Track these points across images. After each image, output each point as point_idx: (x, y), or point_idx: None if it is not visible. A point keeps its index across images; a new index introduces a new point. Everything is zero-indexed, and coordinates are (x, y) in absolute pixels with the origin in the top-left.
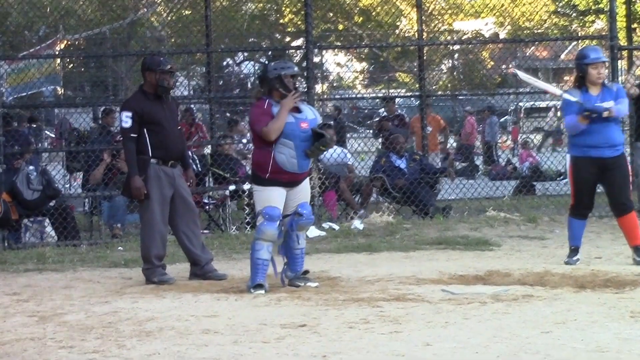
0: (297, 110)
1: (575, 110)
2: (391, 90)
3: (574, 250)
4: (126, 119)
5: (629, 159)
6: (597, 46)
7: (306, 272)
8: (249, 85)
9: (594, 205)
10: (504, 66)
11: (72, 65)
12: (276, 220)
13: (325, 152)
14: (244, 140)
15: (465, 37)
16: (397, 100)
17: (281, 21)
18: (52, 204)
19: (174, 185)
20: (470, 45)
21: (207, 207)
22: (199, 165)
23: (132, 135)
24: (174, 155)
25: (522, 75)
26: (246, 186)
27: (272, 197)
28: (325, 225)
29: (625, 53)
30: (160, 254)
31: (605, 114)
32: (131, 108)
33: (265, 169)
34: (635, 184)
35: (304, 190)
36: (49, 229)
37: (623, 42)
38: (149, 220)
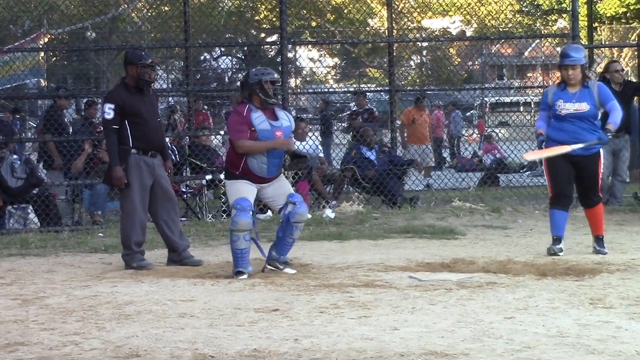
0: (274, 117)
1: (547, 109)
2: (362, 85)
3: (557, 240)
4: (108, 111)
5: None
6: (578, 45)
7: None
8: (226, 79)
9: (572, 195)
10: (470, 62)
11: (55, 58)
12: (248, 210)
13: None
14: (222, 132)
15: (433, 34)
16: (367, 94)
17: (257, 18)
18: (35, 191)
19: (154, 175)
20: (438, 43)
21: (185, 195)
22: (177, 156)
23: (113, 126)
24: (154, 146)
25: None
26: (222, 176)
27: (243, 189)
28: None
29: (586, 51)
30: (139, 241)
31: (604, 143)
32: (113, 100)
33: (237, 167)
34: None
35: (283, 182)
36: (32, 215)
37: (584, 40)
38: (129, 208)
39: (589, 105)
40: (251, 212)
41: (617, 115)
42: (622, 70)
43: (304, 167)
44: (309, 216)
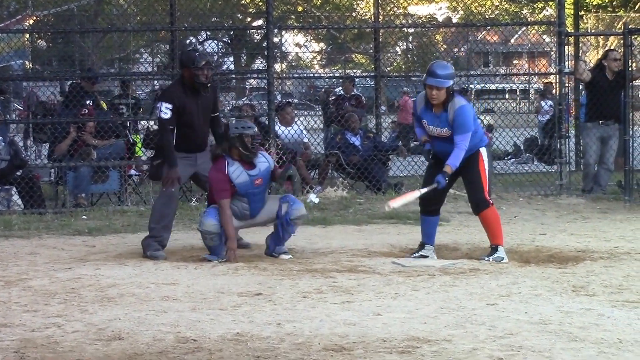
0: (251, 166)
1: (418, 120)
2: (347, 71)
3: (421, 245)
4: (165, 110)
5: (573, 141)
6: (447, 64)
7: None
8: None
9: (440, 204)
10: (456, 49)
11: (40, 40)
12: (215, 214)
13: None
14: None
15: (419, 20)
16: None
17: (243, 2)
18: (19, 173)
19: (195, 166)
20: (424, 29)
21: None
22: None
23: (170, 127)
24: (195, 147)
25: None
26: None
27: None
28: None
29: (572, 39)
30: (168, 227)
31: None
32: (171, 100)
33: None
34: (582, 164)
35: (270, 201)
36: (15, 197)
37: (570, 28)
38: (168, 201)
39: (449, 131)
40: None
41: (457, 155)
42: (620, 59)
43: (294, 178)
44: (306, 213)
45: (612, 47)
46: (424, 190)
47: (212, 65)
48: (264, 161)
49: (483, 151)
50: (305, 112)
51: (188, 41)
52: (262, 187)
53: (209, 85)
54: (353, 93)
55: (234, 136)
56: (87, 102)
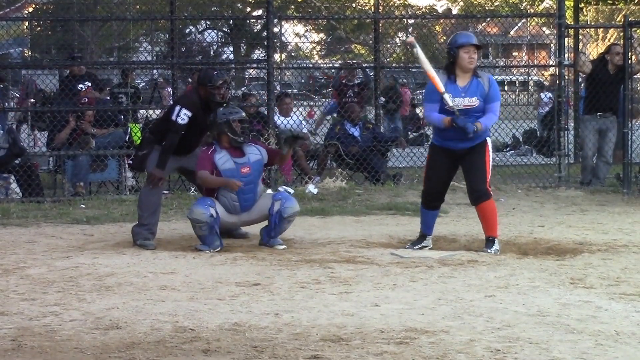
0: (240, 154)
1: (438, 100)
2: (347, 61)
3: (422, 237)
4: (184, 117)
5: (572, 133)
6: (470, 32)
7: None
8: (211, 52)
9: (444, 198)
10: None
11: (39, 28)
12: (206, 204)
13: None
14: None
15: (419, 11)
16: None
17: None
18: (17, 161)
19: (179, 160)
20: (424, 20)
21: None
22: None
23: (181, 132)
24: (181, 152)
25: (419, 52)
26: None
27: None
28: (281, 188)
29: (572, 31)
30: (156, 213)
31: (470, 135)
32: (192, 110)
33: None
34: (581, 157)
35: (261, 199)
36: (14, 185)
37: (570, 20)
38: (155, 194)
39: (479, 100)
40: (210, 208)
41: (490, 118)
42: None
43: (299, 144)
44: (291, 191)
45: (612, 40)
46: (448, 98)
47: (229, 85)
48: (256, 153)
49: (489, 141)
50: (305, 103)
51: (187, 30)
52: (250, 177)
53: (224, 105)
54: (357, 81)
55: (221, 122)
56: (79, 86)
